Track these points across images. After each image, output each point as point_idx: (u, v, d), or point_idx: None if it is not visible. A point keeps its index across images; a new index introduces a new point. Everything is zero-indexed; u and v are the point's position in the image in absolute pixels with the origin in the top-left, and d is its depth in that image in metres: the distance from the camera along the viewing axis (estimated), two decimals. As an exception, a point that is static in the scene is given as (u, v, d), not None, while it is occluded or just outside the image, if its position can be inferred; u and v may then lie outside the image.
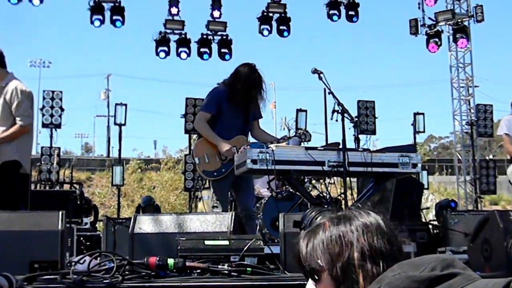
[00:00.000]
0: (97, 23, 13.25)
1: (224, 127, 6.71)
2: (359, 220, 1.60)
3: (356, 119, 13.06)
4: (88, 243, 9.69)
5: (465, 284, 1.19)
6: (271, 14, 14.24)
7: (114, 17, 13.33)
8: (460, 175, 17.62)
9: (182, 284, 3.94)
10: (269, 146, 6.14)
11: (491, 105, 15.39)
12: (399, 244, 1.62)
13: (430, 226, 9.29)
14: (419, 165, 6.42)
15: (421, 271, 1.27)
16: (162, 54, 13.87)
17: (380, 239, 1.57)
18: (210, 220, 5.25)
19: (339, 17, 14.48)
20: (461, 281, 1.21)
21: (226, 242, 4.61)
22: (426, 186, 13.66)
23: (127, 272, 4.04)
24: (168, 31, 13.90)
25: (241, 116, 6.79)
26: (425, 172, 14.16)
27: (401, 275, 1.28)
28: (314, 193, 8.19)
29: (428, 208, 14.64)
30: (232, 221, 5.19)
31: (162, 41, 13.84)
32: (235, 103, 6.71)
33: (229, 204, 7.21)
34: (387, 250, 1.54)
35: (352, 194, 7.16)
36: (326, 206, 5.49)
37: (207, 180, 6.89)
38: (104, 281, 3.85)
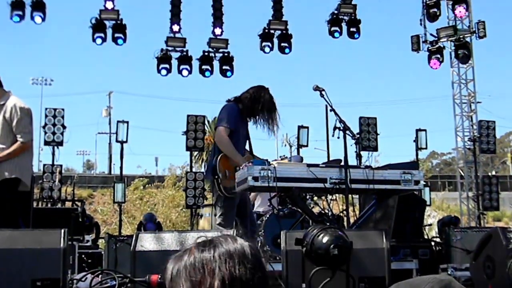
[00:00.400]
0: (99, 40, 13.29)
1: (235, 144, 6.74)
2: (223, 248, 1.57)
3: (358, 135, 13.07)
4: (89, 261, 9.65)
5: None
6: (272, 31, 14.26)
7: (116, 35, 13.37)
8: (462, 192, 17.59)
9: (184, 302, 3.92)
10: (271, 163, 6.12)
11: (494, 121, 15.40)
12: (264, 271, 1.59)
13: (433, 243, 9.26)
14: (421, 182, 6.41)
15: None
16: (163, 72, 13.88)
17: (242, 268, 1.53)
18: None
19: (340, 33, 14.51)
20: None
21: (228, 260, 4.59)
22: (428, 203, 13.63)
23: (128, 290, 4.03)
24: (169, 48, 13.92)
25: (246, 135, 6.94)
26: (427, 189, 14.13)
27: None
28: (316, 210, 8.17)
29: (430, 225, 14.60)
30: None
31: (163, 59, 13.86)
32: (246, 122, 6.86)
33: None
34: (247, 279, 1.51)
35: (354, 211, 7.15)
36: (328, 224, 5.48)
37: (215, 197, 6.85)
38: (106, 299, 3.84)
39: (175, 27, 13.83)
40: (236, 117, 6.80)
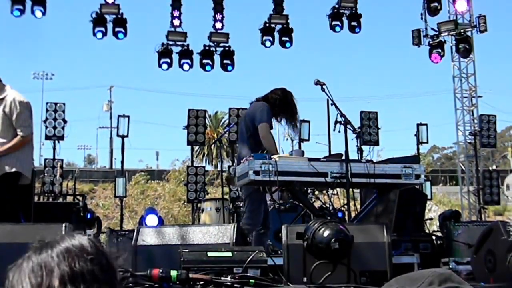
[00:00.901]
0: (99, 35, 13.28)
1: None
2: (61, 246, 1.51)
3: (359, 130, 13.07)
4: (91, 255, 9.67)
5: None
6: (273, 25, 14.25)
7: (117, 29, 13.36)
8: (463, 186, 17.58)
9: (185, 296, 3.93)
10: (271, 157, 6.12)
11: (495, 116, 15.39)
12: (108, 260, 1.54)
13: (434, 237, 9.27)
14: (422, 176, 6.41)
15: (419, 285, 1.26)
16: (164, 66, 13.87)
17: (82, 261, 1.48)
18: (213, 232, 5.24)
19: (341, 28, 14.50)
20: None
21: (229, 254, 4.60)
22: (429, 197, 13.63)
23: (130, 284, 4.04)
24: (170, 42, 13.91)
25: None
26: (428, 183, 14.13)
27: None
28: (317, 204, 8.18)
29: (431, 219, 14.61)
30: (235, 232, 5.18)
31: (164, 53, 13.85)
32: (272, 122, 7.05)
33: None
34: (89, 271, 1.47)
35: (355, 205, 7.16)
36: (329, 218, 5.48)
37: (247, 192, 6.90)
38: (107, 293, 3.84)
39: (176, 21, 13.82)
40: (270, 115, 7.00)
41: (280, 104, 6.97)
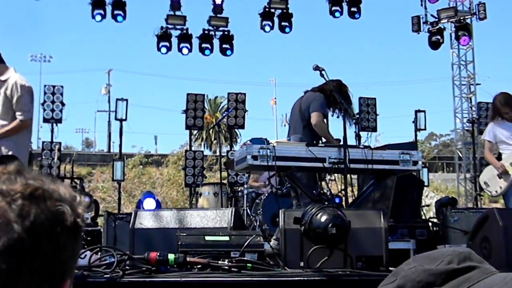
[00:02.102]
0: (98, 17, 13.26)
1: None
2: None
3: (357, 116, 13.08)
4: (88, 238, 9.69)
5: (483, 278, 1.19)
6: (273, 10, 14.23)
7: (116, 12, 13.34)
8: (460, 173, 17.64)
9: (183, 279, 3.96)
10: (270, 142, 6.13)
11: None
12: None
13: (430, 224, 9.31)
14: (420, 162, 6.43)
15: (438, 264, 1.26)
16: (163, 50, 13.86)
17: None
18: (211, 216, 5.26)
19: (341, 13, 14.48)
20: (478, 275, 1.20)
21: (227, 238, 4.63)
22: (426, 184, 13.66)
23: (127, 267, 4.06)
24: (169, 26, 13.89)
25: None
26: (425, 170, 14.16)
27: (417, 268, 1.27)
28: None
29: (428, 205, 14.66)
30: (233, 216, 5.20)
31: (163, 37, 13.83)
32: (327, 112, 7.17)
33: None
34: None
35: (352, 191, 7.17)
36: (326, 203, 5.50)
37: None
38: (105, 275, 3.87)
39: (176, 5, 13.78)
40: (325, 105, 7.11)
41: (335, 96, 6.98)
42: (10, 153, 6.14)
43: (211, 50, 14.13)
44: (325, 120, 7.13)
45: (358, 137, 13.23)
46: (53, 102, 13.08)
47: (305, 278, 4.24)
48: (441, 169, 39.58)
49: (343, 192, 6.44)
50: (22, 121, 6.16)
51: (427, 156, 37.00)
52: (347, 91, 7.26)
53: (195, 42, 14.05)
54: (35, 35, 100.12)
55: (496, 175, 7.64)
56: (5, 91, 6.15)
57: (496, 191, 7.75)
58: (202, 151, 14.62)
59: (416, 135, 14.76)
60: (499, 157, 7.69)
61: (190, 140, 14.55)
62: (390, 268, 4.59)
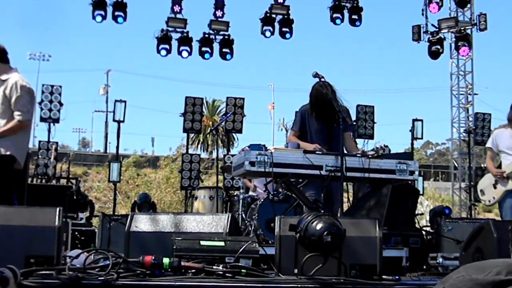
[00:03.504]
0: (98, 18, 13.28)
1: (310, 140, 6.87)
2: None
3: (355, 123, 13.11)
4: (82, 238, 9.70)
5: None
6: (274, 16, 14.27)
7: (116, 13, 13.35)
8: (455, 182, 17.67)
9: (177, 283, 3.97)
10: (268, 148, 6.15)
11: (490, 114, 15.41)
12: None
13: (424, 232, 9.34)
14: (416, 172, 6.44)
15: (486, 274, 1.27)
16: (163, 52, 13.87)
17: None
18: (207, 221, 5.27)
19: (342, 20, 14.53)
20: None
21: (222, 243, 4.64)
22: (421, 192, 13.70)
23: (122, 270, 4.07)
24: (170, 29, 13.91)
25: (324, 129, 6.90)
26: (420, 178, 14.19)
27: (464, 277, 1.28)
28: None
29: (422, 214, 14.68)
30: (228, 222, 5.22)
31: (163, 39, 13.85)
32: (317, 118, 6.91)
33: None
34: None
35: (348, 198, 7.19)
36: (322, 211, 5.52)
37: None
38: (99, 278, 3.88)
39: (177, 8, 13.81)
40: (302, 119, 7.01)
41: (311, 99, 6.95)
42: (8, 153, 6.14)
43: (211, 54, 14.15)
44: (299, 134, 6.99)
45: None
46: (51, 101, 13.08)
47: (299, 285, 4.25)
48: (435, 177, 39.62)
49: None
50: (20, 122, 6.16)
51: (421, 161, 37.02)
52: (314, 93, 6.90)
53: (195, 45, 14.07)
54: (33, 33, 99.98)
55: (492, 185, 7.67)
56: (4, 90, 6.16)
57: (489, 201, 7.78)
58: (199, 155, 14.65)
59: (412, 144, 14.80)
60: (500, 167, 7.69)
61: (187, 143, 14.58)
62: (384, 277, 4.61)
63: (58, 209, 4.50)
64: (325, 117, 6.83)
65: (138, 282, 3.98)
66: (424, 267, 8.59)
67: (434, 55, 15.44)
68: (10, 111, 6.17)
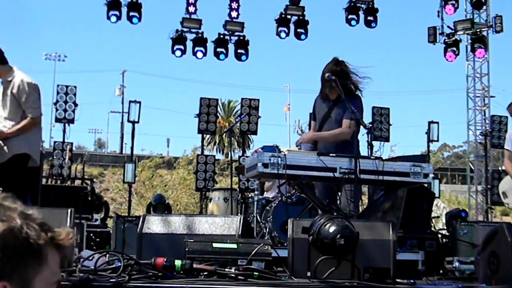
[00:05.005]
0: (113, 18, 13.31)
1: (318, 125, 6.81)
2: None
3: (370, 125, 13.05)
4: (98, 239, 9.72)
5: None
6: (289, 17, 14.25)
7: (131, 13, 13.38)
8: (472, 185, 17.54)
9: (189, 286, 3.95)
10: (281, 150, 6.12)
11: (506, 117, 15.26)
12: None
13: (440, 236, 9.27)
14: (431, 175, 6.38)
15: None
16: (178, 53, 13.88)
17: None
18: (219, 223, 5.25)
19: (357, 22, 14.48)
20: None
21: (234, 246, 4.61)
22: (437, 195, 13.61)
23: (134, 272, 4.05)
24: (185, 29, 13.92)
25: (324, 108, 6.77)
26: (436, 181, 14.11)
27: None
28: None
29: (438, 217, 14.59)
30: (241, 224, 5.19)
31: (178, 40, 13.85)
32: (321, 97, 6.79)
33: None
34: None
35: (362, 201, 7.15)
36: (335, 213, 5.48)
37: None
38: (111, 280, 3.86)
39: (191, 8, 13.83)
40: (313, 107, 6.91)
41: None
42: (22, 152, 6.16)
43: (226, 55, 14.14)
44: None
45: (370, 146, 13.20)
46: (65, 102, 13.14)
47: (312, 289, 4.22)
48: (452, 180, 39.41)
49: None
50: (32, 118, 6.19)
51: (435, 165, 36.86)
52: (326, 66, 6.62)
53: (210, 46, 14.07)
54: (49, 34, 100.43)
55: None
56: (11, 90, 6.17)
57: None
58: (214, 156, 14.64)
59: (428, 146, 14.73)
60: None
61: (202, 144, 14.58)
62: (398, 280, 4.57)
63: (69, 210, 4.50)
64: (324, 95, 6.73)
65: (149, 284, 3.97)
66: (441, 271, 8.52)
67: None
68: (20, 110, 6.19)
